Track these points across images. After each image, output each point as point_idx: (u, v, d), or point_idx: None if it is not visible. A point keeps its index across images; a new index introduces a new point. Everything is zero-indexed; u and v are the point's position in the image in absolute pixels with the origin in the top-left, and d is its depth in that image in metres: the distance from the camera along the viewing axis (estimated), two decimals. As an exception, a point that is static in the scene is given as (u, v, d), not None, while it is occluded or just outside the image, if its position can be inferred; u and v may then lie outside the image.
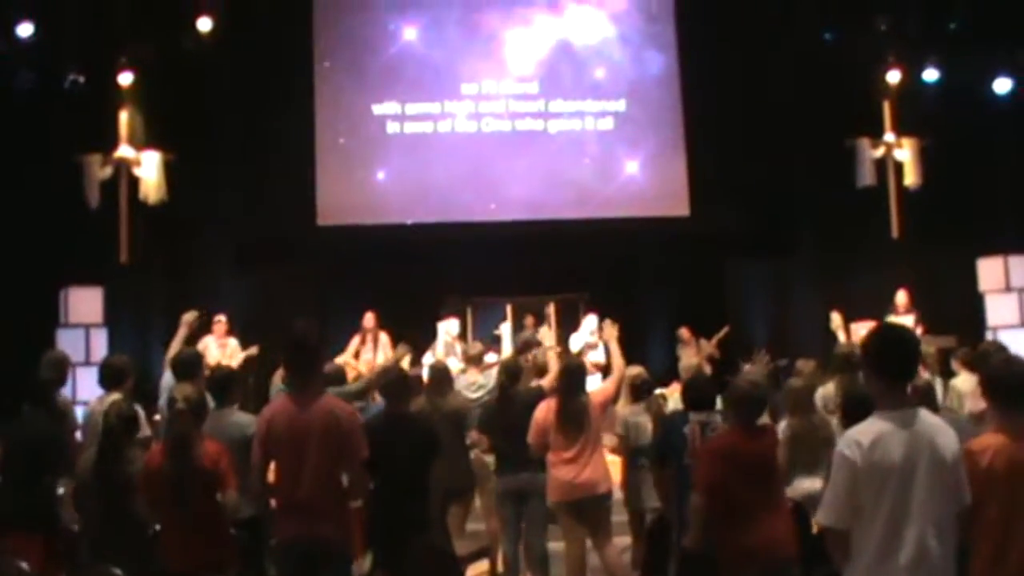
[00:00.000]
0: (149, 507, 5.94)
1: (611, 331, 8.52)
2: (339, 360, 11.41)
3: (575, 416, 7.67)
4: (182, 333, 8.59)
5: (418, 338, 12.04)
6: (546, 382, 8.80)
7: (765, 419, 6.45)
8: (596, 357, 13.14)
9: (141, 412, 7.17)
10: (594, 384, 9.67)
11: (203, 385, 6.94)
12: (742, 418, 6.05)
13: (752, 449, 5.91)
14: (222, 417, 6.89)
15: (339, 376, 8.42)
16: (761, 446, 5.98)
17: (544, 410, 7.78)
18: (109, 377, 7.91)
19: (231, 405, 7.05)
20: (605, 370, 11.07)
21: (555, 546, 8.32)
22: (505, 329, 11.63)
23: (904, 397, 4.27)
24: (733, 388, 6.20)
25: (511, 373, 8.48)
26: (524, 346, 10.50)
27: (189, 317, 8.73)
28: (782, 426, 7.87)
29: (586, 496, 7.66)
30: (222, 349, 12.91)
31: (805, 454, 7.58)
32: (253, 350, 12.86)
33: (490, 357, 10.97)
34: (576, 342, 13.96)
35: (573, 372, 7.97)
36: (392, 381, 7.26)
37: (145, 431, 7.26)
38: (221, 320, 13.10)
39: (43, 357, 8.26)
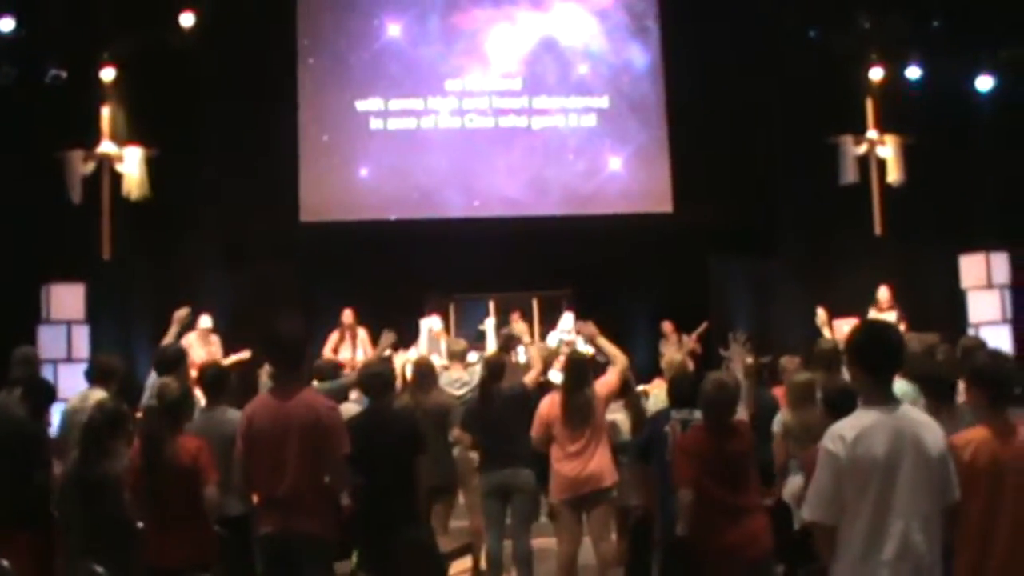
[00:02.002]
0: (133, 505, 5.89)
1: (589, 330, 8.43)
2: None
3: (581, 410, 7.65)
4: (174, 330, 8.53)
5: (402, 334, 12.01)
6: (529, 379, 8.78)
7: (743, 415, 6.43)
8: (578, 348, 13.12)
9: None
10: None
11: (186, 381, 6.90)
12: (710, 419, 6.08)
13: (720, 448, 5.92)
14: (214, 414, 6.86)
15: (333, 371, 8.38)
16: (730, 445, 5.98)
17: (548, 404, 7.77)
18: (97, 373, 7.86)
19: (223, 403, 7.02)
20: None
21: (539, 543, 8.34)
22: (489, 324, 11.61)
23: (888, 392, 4.27)
24: (701, 390, 6.20)
25: (493, 370, 8.45)
26: (506, 343, 10.49)
27: (181, 314, 8.67)
28: (776, 420, 7.87)
29: (592, 491, 7.65)
30: (206, 347, 12.87)
31: (800, 450, 7.59)
32: (245, 354, 12.74)
33: (473, 355, 10.96)
34: (553, 339, 13.96)
35: (577, 366, 7.94)
36: (374, 376, 7.23)
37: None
38: (207, 321, 13.06)
39: (13, 353, 8.19)
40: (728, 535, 5.76)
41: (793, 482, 7.58)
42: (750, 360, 9.70)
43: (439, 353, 11.98)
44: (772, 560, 6.02)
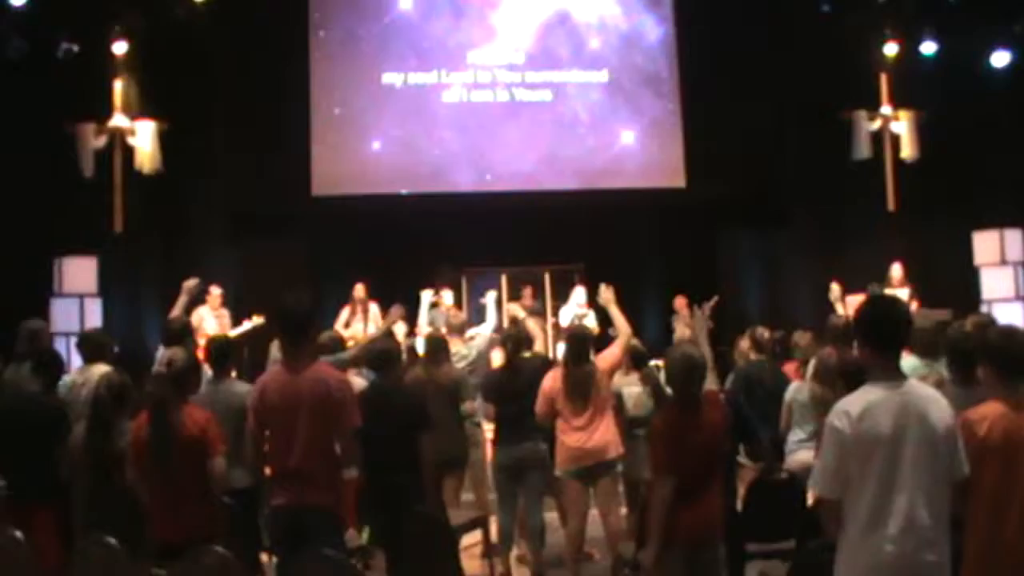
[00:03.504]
0: (138, 477, 5.88)
1: (608, 295, 8.45)
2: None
3: (582, 383, 7.66)
4: (183, 300, 8.54)
5: (413, 308, 12.04)
6: (540, 347, 8.83)
7: (713, 385, 6.27)
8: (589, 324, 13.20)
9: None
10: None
11: (193, 353, 6.90)
12: (680, 393, 5.90)
13: (692, 423, 5.74)
14: (220, 386, 6.88)
15: (336, 345, 8.38)
16: (702, 418, 5.79)
17: (551, 379, 7.78)
18: (89, 349, 7.86)
19: (229, 374, 7.03)
20: (596, 340, 11.04)
21: (549, 516, 8.35)
22: (490, 299, 11.60)
23: (895, 368, 4.26)
24: (667, 363, 6.01)
25: (517, 342, 8.48)
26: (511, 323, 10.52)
27: (190, 284, 8.66)
28: (794, 388, 7.89)
29: (596, 463, 7.67)
30: (218, 320, 12.89)
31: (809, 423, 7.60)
32: (259, 320, 12.77)
33: (482, 327, 10.96)
34: (565, 315, 13.96)
35: (578, 340, 7.95)
36: (379, 352, 7.24)
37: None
38: (216, 291, 13.08)
39: (20, 327, 8.19)
40: (683, 514, 5.62)
41: (800, 456, 7.60)
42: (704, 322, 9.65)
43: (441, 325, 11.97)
44: (719, 540, 5.90)
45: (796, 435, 7.92)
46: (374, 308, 13.58)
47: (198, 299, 11.54)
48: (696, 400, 5.86)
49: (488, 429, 8.82)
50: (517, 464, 8.08)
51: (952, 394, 5.22)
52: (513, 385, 8.19)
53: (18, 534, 5.81)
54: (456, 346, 9.40)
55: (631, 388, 8.43)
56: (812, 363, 7.96)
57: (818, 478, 4.26)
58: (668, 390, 8.53)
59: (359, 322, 13.54)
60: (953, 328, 7.04)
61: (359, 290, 13.84)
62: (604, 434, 7.69)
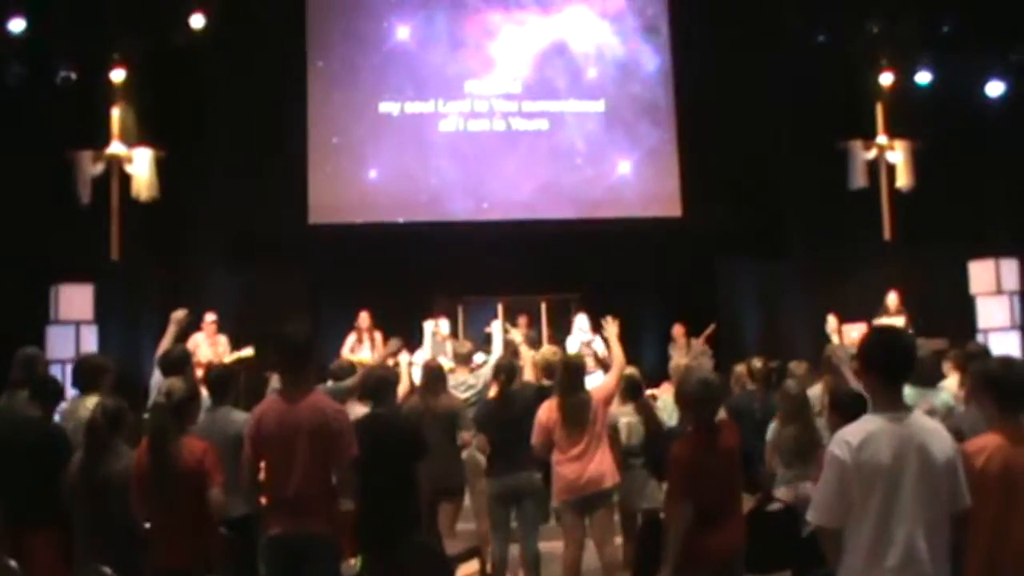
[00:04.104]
0: (140, 505, 5.88)
1: (612, 328, 8.46)
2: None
3: (577, 413, 7.63)
4: (172, 331, 8.53)
5: (410, 337, 12.02)
6: (530, 376, 8.83)
7: (721, 414, 6.34)
8: (597, 348, 13.22)
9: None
10: (596, 379, 9.63)
11: (192, 382, 6.89)
12: (698, 419, 5.91)
13: (710, 449, 5.80)
14: (219, 415, 6.86)
15: (345, 372, 8.36)
16: (719, 443, 5.85)
17: (547, 410, 7.75)
18: (86, 378, 7.79)
19: (228, 403, 7.02)
20: (605, 364, 11.02)
21: (545, 546, 8.33)
22: (496, 327, 11.61)
23: (898, 398, 4.26)
24: (683, 390, 6.05)
25: (509, 372, 8.47)
26: (509, 347, 10.51)
27: (179, 315, 8.66)
28: (772, 427, 7.87)
29: (592, 493, 7.63)
30: (213, 347, 12.86)
31: (797, 459, 7.58)
32: (248, 351, 12.77)
33: (479, 357, 10.94)
34: (572, 343, 13.93)
35: (571, 370, 7.92)
36: (374, 381, 7.23)
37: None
38: (211, 318, 13.06)
39: (15, 355, 8.16)
40: (710, 537, 5.65)
41: (791, 489, 7.58)
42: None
43: (446, 355, 11.97)
44: (741, 558, 5.93)
45: (788, 470, 7.90)
46: (379, 336, 13.54)
47: (192, 327, 11.52)
48: (713, 426, 5.90)
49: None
50: (512, 493, 8.05)
51: (973, 417, 5.23)
52: (506, 415, 8.17)
53: (12, 563, 5.79)
54: (463, 375, 9.40)
55: (626, 418, 8.43)
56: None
57: (817, 506, 4.25)
58: (664, 420, 8.61)
59: (365, 350, 13.51)
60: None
61: (363, 318, 13.83)
62: (600, 464, 7.65)
